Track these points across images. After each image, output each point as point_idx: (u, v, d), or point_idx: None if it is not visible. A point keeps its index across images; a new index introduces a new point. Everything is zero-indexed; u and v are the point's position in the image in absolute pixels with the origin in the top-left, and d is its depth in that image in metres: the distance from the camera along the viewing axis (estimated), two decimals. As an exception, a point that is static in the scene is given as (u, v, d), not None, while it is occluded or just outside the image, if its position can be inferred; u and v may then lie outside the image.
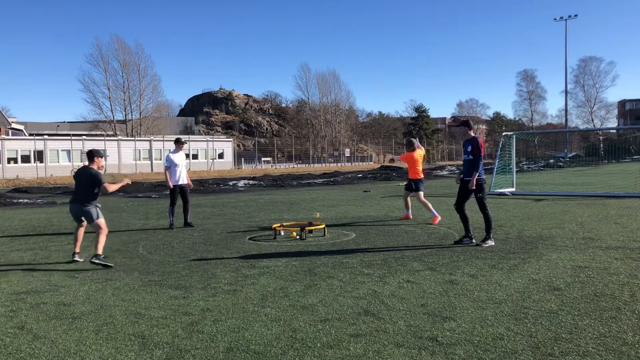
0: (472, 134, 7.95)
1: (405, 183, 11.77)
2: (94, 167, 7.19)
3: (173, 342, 3.96)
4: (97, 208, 7.15)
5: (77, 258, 7.22)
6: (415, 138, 12.10)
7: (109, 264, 6.81)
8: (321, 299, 5.04)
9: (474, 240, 7.83)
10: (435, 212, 10.33)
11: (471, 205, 7.90)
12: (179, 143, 10.75)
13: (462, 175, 7.93)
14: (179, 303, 5.02)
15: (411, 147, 10.89)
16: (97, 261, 6.75)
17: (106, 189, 7.05)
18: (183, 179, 10.54)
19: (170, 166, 10.47)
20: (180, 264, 6.86)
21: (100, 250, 6.87)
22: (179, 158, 10.55)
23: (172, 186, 10.47)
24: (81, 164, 43.86)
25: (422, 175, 10.75)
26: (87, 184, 7.09)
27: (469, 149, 7.77)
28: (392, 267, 6.41)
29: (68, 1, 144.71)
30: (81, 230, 7.37)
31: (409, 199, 11.05)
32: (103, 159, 7.35)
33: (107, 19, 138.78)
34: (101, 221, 7.10)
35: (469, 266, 6.34)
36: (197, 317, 4.56)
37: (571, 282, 5.48)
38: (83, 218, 7.24)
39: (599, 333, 3.97)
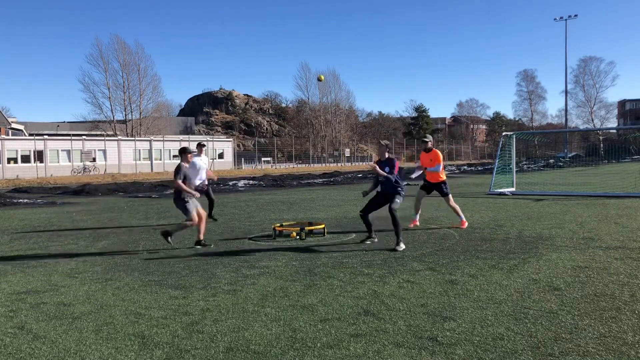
0: (388, 155, 8.17)
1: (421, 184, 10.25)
2: (183, 162, 8.17)
3: (173, 342, 3.96)
4: (188, 203, 8.00)
5: (198, 246, 8.16)
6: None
7: (207, 244, 8.17)
8: (321, 299, 5.04)
9: (376, 240, 8.22)
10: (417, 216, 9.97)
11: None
12: (200, 147, 11.31)
13: (378, 189, 8.19)
14: (179, 303, 5.02)
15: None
16: (198, 245, 8.11)
17: (176, 183, 7.94)
18: (204, 181, 11.21)
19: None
20: (180, 264, 6.86)
21: (201, 236, 8.18)
22: (199, 162, 11.04)
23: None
24: (81, 164, 43.39)
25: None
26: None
27: (387, 169, 7.95)
28: (392, 267, 6.41)
29: (68, 1, 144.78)
30: (196, 222, 8.11)
31: (454, 204, 9.84)
32: (190, 155, 8.39)
33: (107, 19, 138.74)
34: (192, 214, 7.98)
35: (469, 266, 6.35)
36: (197, 317, 4.56)
37: (571, 282, 5.48)
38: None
39: (599, 333, 3.97)
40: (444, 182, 9.74)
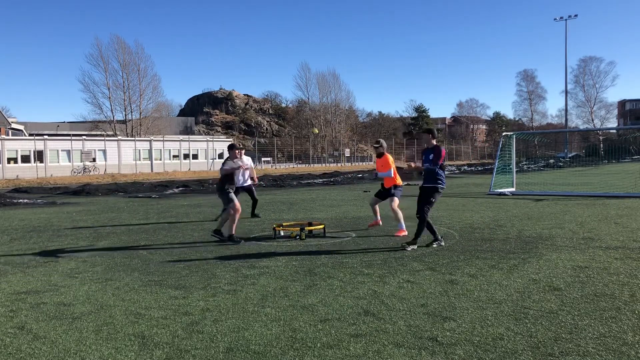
0: (435, 142, 7.82)
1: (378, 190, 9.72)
2: (230, 159, 8.61)
3: (173, 342, 3.96)
4: (230, 193, 8.37)
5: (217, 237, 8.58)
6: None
7: (239, 241, 8.31)
8: (321, 299, 5.04)
9: (442, 243, 7.78)
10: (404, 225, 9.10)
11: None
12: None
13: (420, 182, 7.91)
14: (179, 303, 5.02)
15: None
16: (230, 241, 8.25)
17: (224, 169, 8.45)
18: (247, 180, 11.83)
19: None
20: (180, 264, 6.86)
21: (233, 230, 8.39)
22: (244, 161, 11.35)
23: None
24: (81, 164, 43.53)
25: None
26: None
27: (432, 156, 7.65)
28: (392, 267, 6.41)
29: (68, 1, 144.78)
30: (240, 211, 8.62)
31: (397, 208, 9.20)
32: (238, 152, 8.88)
33: (107, 19, 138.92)
34: (236, 203, 8.38)
35: (469, 266, 6.34)
36: (197, 317, 4.56)
37: (571, 282, 5.48)
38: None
39: (599, 333, 3.97)
40: (395, 186, 9.26)
